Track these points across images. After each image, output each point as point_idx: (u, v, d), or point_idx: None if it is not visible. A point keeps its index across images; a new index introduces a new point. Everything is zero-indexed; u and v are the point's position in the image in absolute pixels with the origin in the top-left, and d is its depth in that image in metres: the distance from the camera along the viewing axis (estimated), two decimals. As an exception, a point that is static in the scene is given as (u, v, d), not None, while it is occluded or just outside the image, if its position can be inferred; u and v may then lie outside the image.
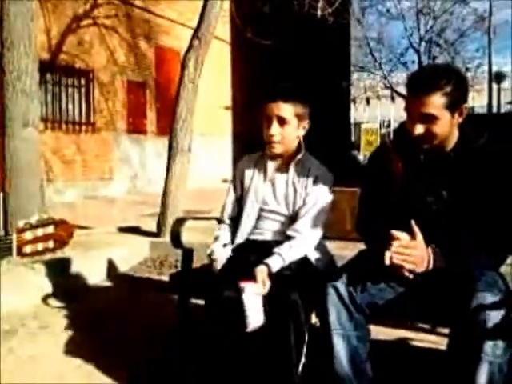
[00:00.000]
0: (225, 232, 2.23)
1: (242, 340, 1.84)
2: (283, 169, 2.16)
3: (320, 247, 2.14)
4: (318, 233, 2.08)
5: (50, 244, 1.52)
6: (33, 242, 1.51)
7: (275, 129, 2.06)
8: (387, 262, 1.62)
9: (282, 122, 2.06)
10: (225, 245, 2.16)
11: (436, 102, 1.67)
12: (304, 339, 1.87)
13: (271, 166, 2.17)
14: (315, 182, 2.09)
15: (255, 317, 1.79)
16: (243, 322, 1.78)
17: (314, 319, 1.97)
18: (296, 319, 1.82)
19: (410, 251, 1.63)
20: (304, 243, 2.04)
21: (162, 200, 4.90)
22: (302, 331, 1.85)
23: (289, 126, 2.07)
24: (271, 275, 1.89)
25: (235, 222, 2.23)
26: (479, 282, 1.65)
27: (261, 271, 1.87)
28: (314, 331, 1.92)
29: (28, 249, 1.51)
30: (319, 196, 2.09)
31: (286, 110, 2.05)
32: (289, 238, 2.04)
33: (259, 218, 2.17)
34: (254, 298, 1.80)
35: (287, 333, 1.81)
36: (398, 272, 1.66)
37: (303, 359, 1.87)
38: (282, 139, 2.08)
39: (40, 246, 1.52)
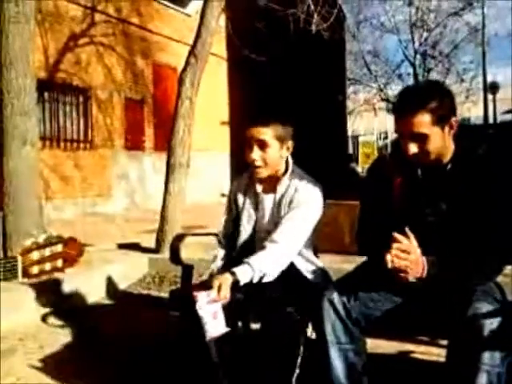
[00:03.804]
0: (221, 255, 2.25)
1: (236, 351, 1.84)
2: (271, 190, 2.16)
3: (313, 262, 2.14)
4: (295, 245, 2.04)
5: (59, 263, 1.46)
6: (40, 263, 1.44)
7: (256, 153, 2.07)
8: (389, 265, 1.60)
9: (263, 145, 2.06)
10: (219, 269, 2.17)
11: (423, 121, 1.68)
12: (299, 352, 1.86)
13: (259, 187, 2.18)
14: (300, 201, 2.06)
15: (212, 326, 1.76)
16: (202, 332, 1.75)
17: (309, 332, 1.96)
18: (291, 332, 1.81)
19: (405, 255, 1.62)
20: (276, 253, 1.98)
21: (160, 216, 4.90)
22: (297, 344, 1.84)
23: (270, 148, 2.07)
24: (237, 284, 1.85)
25: (233, 241, 2.24)
26: (476, 291, 1.66)
27: (219, 279, 1.84)
28: (310, 344, 1.91)
29: (35, 269, 1.43)
30: (301, 211, 2.05)
31: (266, 133, 2.06)
32: (264, 247, 2.01)
33: (254, 238, 2.17)
34: (208, 307, 1.77)
35: (282, 345, 1.79)
36: (398, 276, 1.63)
37: (297, 371, 1.86)
38: (264, 163, 2.08)
39: (48, 266, 1.45)
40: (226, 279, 1.85)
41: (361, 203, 2.00)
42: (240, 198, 2.23)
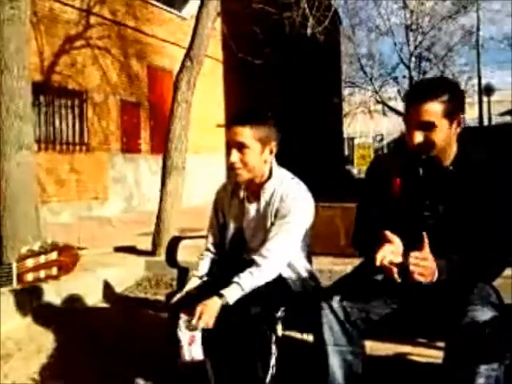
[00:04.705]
0: (204, 263, 2.16)
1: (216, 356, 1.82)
2: (254, 197, 2.06)
3: (297, 267, 2.07)
4: (285, 258, 1.98)
5: (54, 271, 1.45)
6: (35, 270, 1.43)
7: (234, 155, 1.94)
8: (377, 263, 1.60)
9: (242, 147, 1.94)
10: (201, 277, 2.11)
11: (434, 110, 1.70)
12: (270, 351, 1.83)
13: (243, 195, 2.09)
14: (287, 210, 1.96)
15: (187, 350, 1.74)
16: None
17: (280, 332, 1.92)
18: (259, 332, 1.78)
19: (423, 262, 1.61)
20: (267, 269, 1.91)
21: (156, 218, 4.90)
22: (268, 344, 1.82)
23: (250, 150, 1.94)
24: (225, 306, 1.80)
25: (220, 248, 2.18)
26: (473, 295, 1.66)
27: (204, 305, 1.79)
28: (281, 343, 1.90)
29: (30, 277, 1.43)
30: (289, 221, 1.95)
31: (244, 134, 1.93)
32: (253, 262, 1.93)
33: (241, 245, 2.09)
34: (186, 331, 1.76)
35: (251, 345, 1.77)
36: (388, 274, 1.62)
37: (271, 371, 1.83)
38: (243, 166, 1.95)
39: (42, 274, 1.44)
40: (214, 304, 1.79)
41: (359, 203, 1.99)
42: (226, 205, 2.15)
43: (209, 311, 1.78)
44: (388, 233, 1.64)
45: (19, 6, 3.98)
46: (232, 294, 1.84)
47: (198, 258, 2.23)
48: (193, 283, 2.10)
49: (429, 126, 1.71)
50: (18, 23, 3.99)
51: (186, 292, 2.05)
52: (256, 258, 1.94)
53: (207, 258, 2.18)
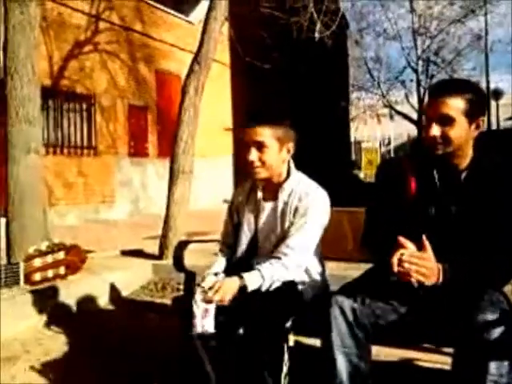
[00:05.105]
0: (219, 261, 2.19)
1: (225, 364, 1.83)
2: (272, 197, 2.09)
3: (315, 271, 2.10)
4: (307, 256, 2.02)
5: (61, 270, 1.46)
6: (42, 270, 1.44)
7: (253, 154, 1.99)
8: (395, 268, 1.60)
9: (261, 146, 1.98)
10: (216, 274, 2.12)
11: (455, 105, 1.71)
12: (282, 360, 1.84)
13: (260, 194, 2.12)
14: (306, 208, 2.00)
15: (200, 322, 1.79)
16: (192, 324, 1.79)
17: (291, 342, 1.93)
18: (271, 341, 1.79)
19: (423, 262, 1.61)
20: (286, 264, 1.95)
21: (164, 222, 4.91)
22: (280, 353, 1.82)
23: (269, 149, 1.99)
24: (244, 289, 1.84)
25: (233, 249, 2.20)
26: (482, 300, 1.65)
27: (223, 281, 1.84)
28: (294, 352, 1.90)
29: (37, 276, 1.44)
30: (309, 220, 1.99)
31: (264, 133, 1.98)
32: (275, 257, 1.98)
33: (255, 246, 2.12)
34: (201, 303, 1.80)
35: (262, 355, 1.78)
36: (404, 280, 1.62)
37: (283, 381, 1.84)
38: (262, 164, 2.00)
39: (50, 273, 1.45)
40: (233, 282, 1.84)
41: (369, 205, 1.98)
42: (241, 205, 2.19)
43: (226, 287, 1.83)
44: (402, 238, 1.64)
45: (29, 12, 4.03)
46: (252, 278, 1.88)
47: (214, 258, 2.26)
48: (208, 280, 2.08)
49: (448, 121, 1.71)
50: (28, 29, 4.03)
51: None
52: (276, 254, 1.97)
53: (221, 258, 2.21)
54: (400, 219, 1.80)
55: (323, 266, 2.18)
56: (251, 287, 1.86)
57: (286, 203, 2.04)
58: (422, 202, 1.80)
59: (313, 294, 2.05)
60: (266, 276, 1.89)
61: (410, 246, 1.64)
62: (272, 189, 2.09)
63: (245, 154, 2.02)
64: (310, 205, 2.00)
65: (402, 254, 1.61)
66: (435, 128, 1.72)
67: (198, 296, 1.81)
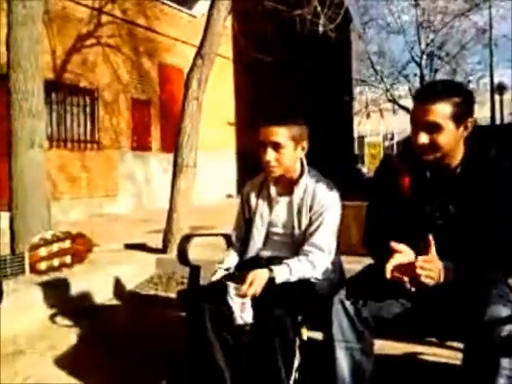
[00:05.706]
0: (230, 256, 2.23)
1: (235, 357, 1.85)
2: (286, 192, 2.13)
3: (334, 265, 2.12)
4: (332, 250, 2.07)
5: (67, 259, 1.44)
6: (48, 259, 1.42)
7: (270, 154, 2.04)
8: (388, 275, 1.61)
9: (277, 146, 2.03)
10: (228, 269, 2.16)
11: (441, 111, 1.68)
12: (294, 354, 1.85)
13: (274, 189, 2.16)
14: (323, 205, 2.05)
15: (239, 315, 1.84)
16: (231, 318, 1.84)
17: (305, 336, 1.94)
18: (282, 335, 1.80)
19: (431, 266, 1.60)
20: (315, 263, 2.01)
21: (167, 216, 4.91)
22: (291, 347, 1.83)
23: (285, 149, 2.04)
24: (273, 281, 1.88)
25: (245, 243, 2.22)
26: (491, 294, 1.64)
27: (254, 274, 1.87)
28: (306, 347, 1.90)
29: (43, 265, 1.41)
30: (329, 215, 2.05)
31: (280, 134, 2.03)
32: (299, 254, 2.03)
33: (266, 241, 2.16)
34: (236, 298, 1.85)
35: (273, 349, 1.79)
36: (400, 285, 1.64)
37: (294, 375, 1.84)
38: (278, 164, 2.06)
39: (56, 262, 1.42)
40: (263, 274, 1.88)
41: (369, 202, 1.99)
42: (253, 200, 2.21)
43: (258, 279, 1.86)
44: (395, 244, 1.63)
45: (32, 6, 4.02)
46: (280, 271, 1.92)
47: (225, 252, 2.30)
48: (219, 274, 2.14)
49: (434, 128, 1.69)
50: (31, 23, 4.02)
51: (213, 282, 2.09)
52: (304, 252, 2.02)
53: (232, 252, 2.25)
54: (398, 218, 1.80)
55: (341, 265, 2.23)
56: (279, 280, 1.91)
57: (301, 198, 2.09)
58: (418, 202, 1.80)
59: (329, 291, 2.05)
60: (293, 270, 1.94)
61: (404, 250, 1.63)
62: (285, 184, 2.14)
63: (260, 154, 2.07)
64: (327, 201, 2.06)
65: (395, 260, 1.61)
66: (423, 136, 1.71)
67: (232, 291, 1.86)
